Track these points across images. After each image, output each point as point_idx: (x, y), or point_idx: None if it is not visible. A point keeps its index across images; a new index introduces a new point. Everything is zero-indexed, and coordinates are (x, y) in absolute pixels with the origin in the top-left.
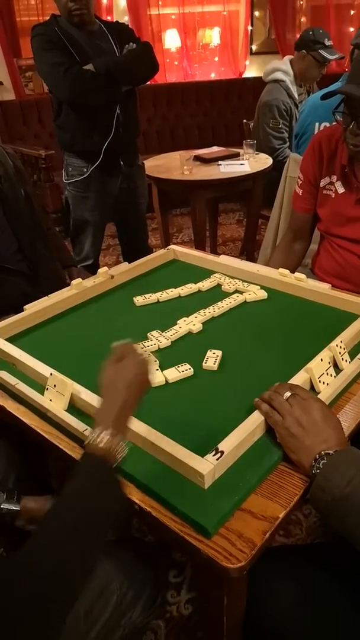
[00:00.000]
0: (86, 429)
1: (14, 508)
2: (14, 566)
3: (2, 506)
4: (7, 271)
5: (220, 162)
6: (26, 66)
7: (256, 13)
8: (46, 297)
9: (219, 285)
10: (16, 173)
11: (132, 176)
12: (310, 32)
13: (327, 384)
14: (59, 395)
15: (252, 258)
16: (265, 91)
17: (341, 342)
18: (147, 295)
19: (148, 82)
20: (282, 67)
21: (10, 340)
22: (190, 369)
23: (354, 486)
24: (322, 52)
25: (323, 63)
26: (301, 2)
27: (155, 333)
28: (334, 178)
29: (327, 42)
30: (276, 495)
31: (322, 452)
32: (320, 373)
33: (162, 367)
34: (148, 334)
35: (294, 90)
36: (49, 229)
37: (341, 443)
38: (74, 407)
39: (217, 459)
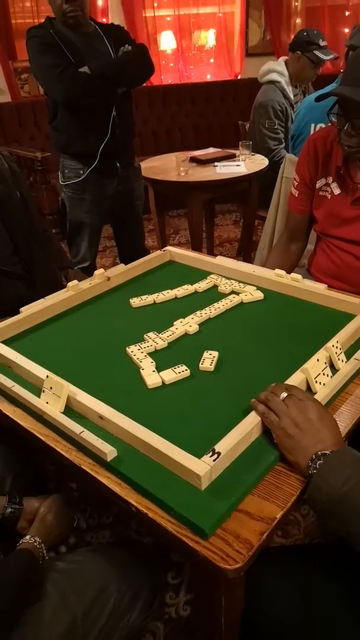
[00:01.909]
0: (83, 431)
1: (18, 507)
2: None
3: (7, 510)
4: (3, 273)
5: (216, 163)
6: (22, 68)
7: (251, 14)
8: (42, 299)
9: (215, 287)
10: (12, 175)
11: (128, 178)
12: (305, 33)
13: (324, 384)
14: (55, 398)
15: (248, 259)
16: (261, 92)
17: (337, 342)
18: (143, 297)
19: (144, 84)
20: (277, 68)
21: (6, 342)
22: (186, 370)
23: (350, 486)
24: (317, 52)
25: (318, 64)
26: (296, 3)
27: (151, 334)
28: (330, 179)
29: (322, 43)
30: (273, 495)
31: (319, 453)
32: (316, 373)
33: (159, 369)
34: (144, 336)
35: (289, 91)
36: (44, 231)
37: (337, 443)
38: (70, 409)
39: (214, 460)
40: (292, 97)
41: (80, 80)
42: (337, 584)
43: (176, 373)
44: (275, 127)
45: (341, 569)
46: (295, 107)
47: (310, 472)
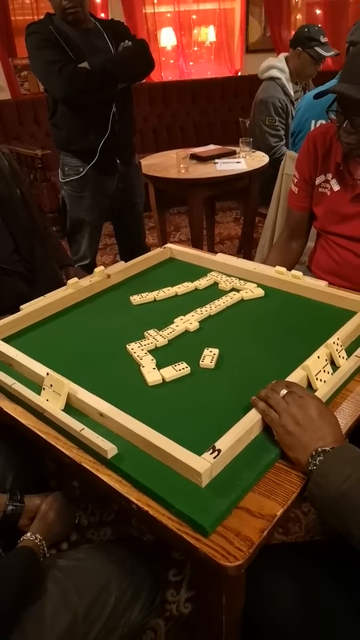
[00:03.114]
0: (83, 429)
1: (19, 504)
2: None
3: (8, 508)
4: (3, 271)
5: (216, 160)
6: (21, 65)
7: (251, 10)
8: (43, 296)
9: (215, 284)
10: (12, 173)
11: (128, 175)
12: (306, 29)
13: (324, 381)
14: (55, 395)
15: (249, 256)
16: (261, 89)
17: (338, 339)
18: (143, 294)
19: (144, 80)
20: (277, 65)
21: (7, 340)
22: (187, 367)
23: (350, 483)
24: (318, 49)
25: (318, 60)
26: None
27: (152, 332)
28: (329, 176)
29: (323, 39)
30: (273, 493)
31: (319, 449)
32: (317, 370)
33: (159, 366)
34: (145, 333)
35: (289, 87)
36: (45, 229)
37: (338, 440)
38: (70, 407)
39: (214, 457)
40: (292, 93)
41: (80, 76)
42: (337, 581)
43: (176, 370)
44: (276, 123)
45: (342, 567)
46: (295, 103)
47: (310, 468)
